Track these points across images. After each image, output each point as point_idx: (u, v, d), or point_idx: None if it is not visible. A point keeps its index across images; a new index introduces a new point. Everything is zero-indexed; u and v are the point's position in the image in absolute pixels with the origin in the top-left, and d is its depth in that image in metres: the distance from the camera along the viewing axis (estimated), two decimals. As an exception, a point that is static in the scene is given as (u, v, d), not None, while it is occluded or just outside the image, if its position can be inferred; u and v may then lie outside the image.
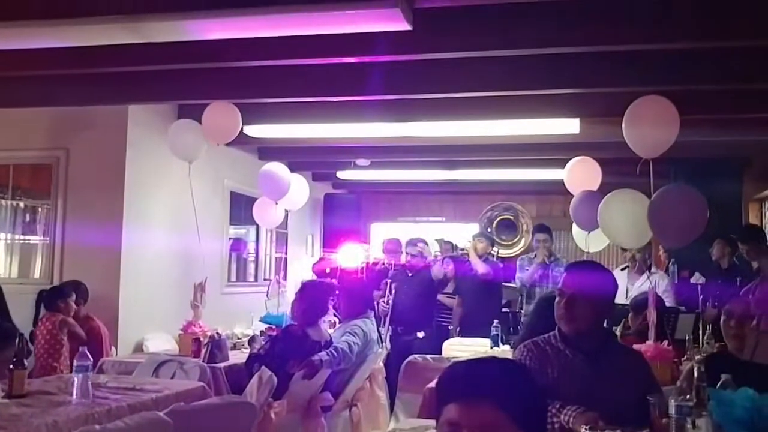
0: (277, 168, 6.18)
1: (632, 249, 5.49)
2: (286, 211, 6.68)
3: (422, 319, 6.15)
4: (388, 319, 5.96)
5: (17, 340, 3.44)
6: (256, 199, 6.53)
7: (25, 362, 3.32)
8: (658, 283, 5.38)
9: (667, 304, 4.90)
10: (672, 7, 3.46)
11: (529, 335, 2.89)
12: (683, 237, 4.20)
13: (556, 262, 6.25)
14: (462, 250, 7.77)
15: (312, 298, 4.29)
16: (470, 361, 1.41)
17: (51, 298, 4.88)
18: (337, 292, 4.69)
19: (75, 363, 3.16)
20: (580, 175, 5.78)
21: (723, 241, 5.98)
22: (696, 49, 4.01)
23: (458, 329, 6.25)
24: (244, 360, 4.38)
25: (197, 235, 5.39)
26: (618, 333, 4.52)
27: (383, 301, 6.05)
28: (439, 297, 6.55)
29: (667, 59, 4.14)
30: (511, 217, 8.97)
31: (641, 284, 5.45)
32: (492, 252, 6.91)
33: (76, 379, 3.14)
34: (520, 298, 6.49)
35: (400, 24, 3.11)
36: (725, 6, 3.40)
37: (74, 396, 3.13)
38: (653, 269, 5.70)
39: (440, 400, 1.36)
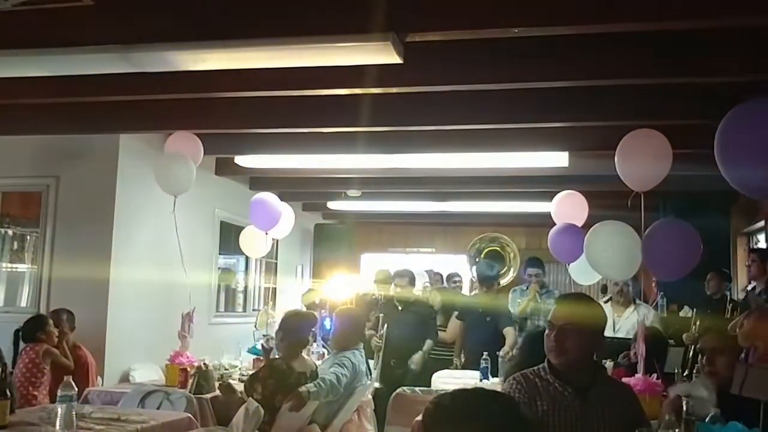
0: (268, 198, 6.19)
1: (620, 281, 5.49)
2: (275, 241, 6.67)
3: (414, 352, 6.13)
4: (381, 354, 5.92)
5: (0, 370, 3.39)
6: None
7: (8, 393, 3.26)
8: (646, 315, 5.39)
9: None
10: (661, 43, 3.51)
11: (517, 370, 2.88)
12: (677, 271, 4.22)
13: (548, 294, 6.23)
14: (455, 282, 7.76)
15: (289, 328, 4.26)
16: (456, 393, 1.41)
17: (30, 331, 4.75)
18: (321, 324, 4.67)
19: (59, 393, 3.10)
20: (567, 208, 5.82)
21: (718, 275, 6.00)
22: (684, 83, 4.07)
23: (462, 360, 6.19)
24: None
25: (183, 266, 5.35)
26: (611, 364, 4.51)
27: (376, 337, 6.00)
28: None
29: (656, 94, 4.20)
30: (498, 248, 9.02)
31: (628, 316, 5.45)
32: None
33: (59, 410, 3.08)
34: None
35: (391, 57, 3.14)
36: (714, 42, 3.46)
37: (57, 427, 3.07)
38: (637, 301, 5.71)
39: (427, 429, 1.35)
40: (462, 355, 6.25)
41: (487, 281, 6.39)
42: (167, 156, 5.33)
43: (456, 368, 6.06)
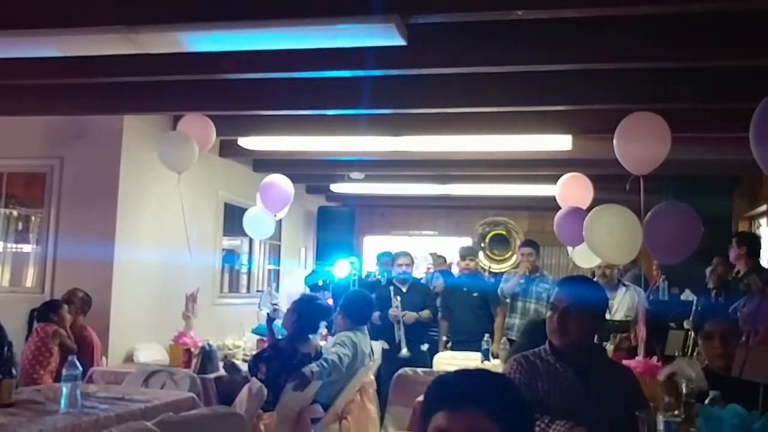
0: (278, 180, 6.19)
1: (608, 264, 5.50)
2: (279, 223, 6.68)
3: (423, 333, 6.19)
4: (402, 325, 6.03)
5: (5, 348, 3.42)
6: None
7: (13, 371, 3.30)
8: (634, 297, 5.40)
9: None
10: (664, 26, 3.50)
11: (519, 353, 2.90)
12: (678, 254, 4.23)
13: (542, 278, 6.24)
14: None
15: (305, 313, 4.29)
16: (459, 371, 1.42)
17: (43, 312, 4.84)
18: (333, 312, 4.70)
19: (63, 372, 3.14)
20: (572, 190, 5.81)
21: (725, 261, 5.99)
22: (688, 67, 4.05)
23: (448, 342, 6.25)
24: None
25: (189, 247, 5.38)
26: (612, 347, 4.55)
27: (395, 306, 6.10)
28: None
29: (659, 77, 4.18)
30: (504, 233, 9.01)
31: (621, 299, 5.47)
32: (483, 267, 6.94)
33: (64, 389, 3.12)
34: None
35: (394, 39, 3.14)
36: (717, 26, 3.45)
37: (62, 405, 3.11)
38: (627, 283, 5.72)
39: (428, 408, 1.37)
40: (447, 337, 6.30)
41: (468, 255, 6.46)
42: (170, 134, 5.35)
43: (446, 348, 6.12)
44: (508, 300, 6.17)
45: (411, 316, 6.11)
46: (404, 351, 5.84)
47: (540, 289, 6.02)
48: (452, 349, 5.99)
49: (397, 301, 6.08)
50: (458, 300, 6.24)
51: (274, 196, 6.11)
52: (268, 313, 5.16)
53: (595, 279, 5.77)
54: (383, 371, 5.61)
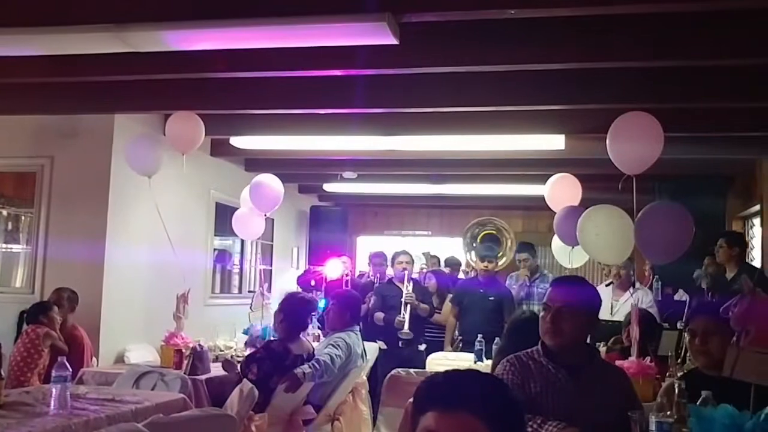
0: (268, 180, 6.16)
1: (614, 265, 5.51)
2: (271, 222, 6.65)
3: (421, 333, 6.21)
4: (410, 309, 6.07)
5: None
6: (242, 210, 6.51)
7: (2, 373, 3.27)
8: (642, 298, 5.41)
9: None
10: (657, 26, 3.49)
11: (501, 355, 2.89)
12: (669, 253, 4.22)
13: (542, 278, 6.24)
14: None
15: (290, 310, 4.26)
16: (449, 372, 1.41)
17: (33, 314, 4.82)
18: (326, 305, 4.68)
19: (53, 373, 3.11)
20: (561, 191, 5.80)
21: (716, 261, 6.00)
22: (680, 66, 4.05)
23: (459, 341, 6.22)
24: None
25: (172, 247, 5.32)
26: (605, 348, 4.55)
27: (406, 290, 6.13)
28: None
29: (652, 77, 4.19)
30: (494, 232, 9.02)
31: (626, 300, 5.48)
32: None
33: (54, 390, 3.09)
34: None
35: (386, 38, 3.12)
36: (710, 26, 3.45)
37: (52, 407, 3.08)
38: (637, 284, 5.73)
39: (418, 409, 1.36)
40: (457, 339, 6.26)
41: (488, 256, 6.45)
42: (134, 137, 5.29)
43: (456, 348, 6.10)
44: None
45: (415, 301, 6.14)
46: (406, 329, 5.87)
47: (541, 290, 6.04)
48: (462, 349, 5.97)
49: (410, 286, 6.09)
50: (473, 301, 6.21)
51: (263, 196, 6.07)
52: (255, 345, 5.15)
53: (610, 280, 5.81)
54: (380, 371, 5.59)
